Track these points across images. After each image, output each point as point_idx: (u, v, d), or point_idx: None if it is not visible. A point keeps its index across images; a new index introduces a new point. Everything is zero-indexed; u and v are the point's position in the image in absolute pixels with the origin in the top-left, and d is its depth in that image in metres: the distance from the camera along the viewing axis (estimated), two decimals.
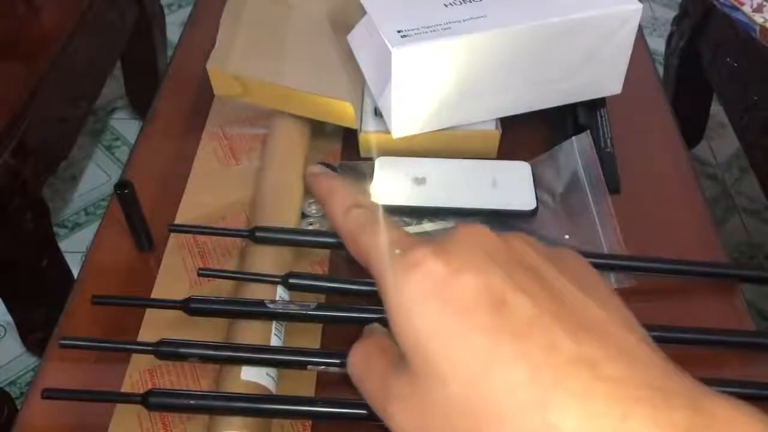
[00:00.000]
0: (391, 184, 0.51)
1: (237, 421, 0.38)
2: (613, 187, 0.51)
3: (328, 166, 0.53)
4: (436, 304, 0.20)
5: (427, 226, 0.49)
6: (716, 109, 1.22)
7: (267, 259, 0.45)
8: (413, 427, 0.21)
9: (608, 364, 0.18)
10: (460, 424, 0.19)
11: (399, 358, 0.22)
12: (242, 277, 0.44)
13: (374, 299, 0.44)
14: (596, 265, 0.45)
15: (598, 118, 0.55)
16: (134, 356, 0.43)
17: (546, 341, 0.19)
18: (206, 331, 0.42)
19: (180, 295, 0.42)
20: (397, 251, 0.22)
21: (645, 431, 0.17)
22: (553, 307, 0.20)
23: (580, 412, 0.17)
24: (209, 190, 0.53)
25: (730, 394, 0.19)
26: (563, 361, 0.18)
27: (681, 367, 0.19)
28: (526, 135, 0.55)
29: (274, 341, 0.42)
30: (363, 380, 0.24)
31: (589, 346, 0.19)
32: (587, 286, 0.22)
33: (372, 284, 0.44)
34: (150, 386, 0.41)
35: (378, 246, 0.23)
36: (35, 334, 0.99)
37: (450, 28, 0.49)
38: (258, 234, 0.45)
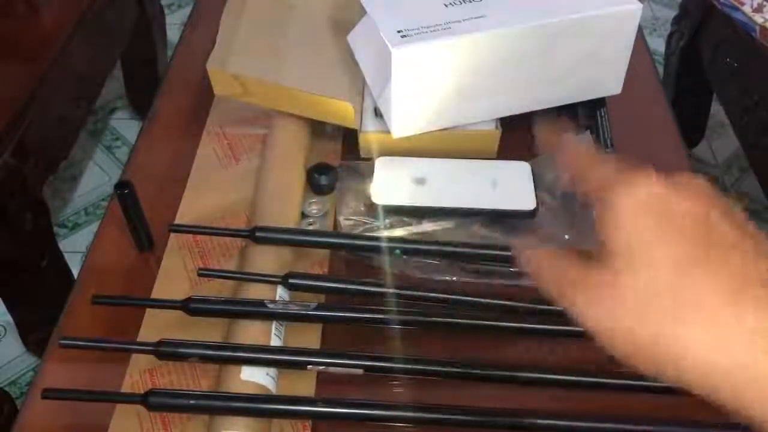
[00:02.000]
0: (391, 184, 0.51)
1: (237, 421, 0.38)
2: None
3: (326, 166, 0.53)
4: (654, 218, 0.24)
5: (427, 226, 0.49)
6: (716, 109, 1.22)
7: (267, 259, 0.45)
8: (604, 310, 0.25)
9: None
10: (655, 314, 0.24)
11: (587, 261, 0.26)
12: (242, 277, 0.44)
13: (374, 299, 0.44)
14: None
15: (598, 118, 0.55)
16: (134, 356, 0.43)
17: (742, 262, 0.23)
18: (206, 331, 0.42)
19: (180, 295, 0.42)
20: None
21: None
22: (747, 242, 0.24)
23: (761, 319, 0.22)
24: (209, 190, 0.53)
25: None
26: (754, 279, 0.23)
27: None
28: (526, 135, 0.55)
29: (274, 341, 0.42)
30: (553, 274, 0.27)
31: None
32: (757, 234, 0.26)
33: (370, 284, 0.44)
34: (150, 386, 0.41)
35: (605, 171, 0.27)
36: (35, 334, 0.99)
37: (450, 28, 0.49)
38: (258, 234, 0.45)
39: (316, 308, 0.42)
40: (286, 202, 0.50)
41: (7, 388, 1.00)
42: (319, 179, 0.52)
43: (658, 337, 0.24)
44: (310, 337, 0.44)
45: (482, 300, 0.44)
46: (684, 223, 0.24)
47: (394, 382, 0.42)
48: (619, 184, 0.26)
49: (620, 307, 0.24)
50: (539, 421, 0.39)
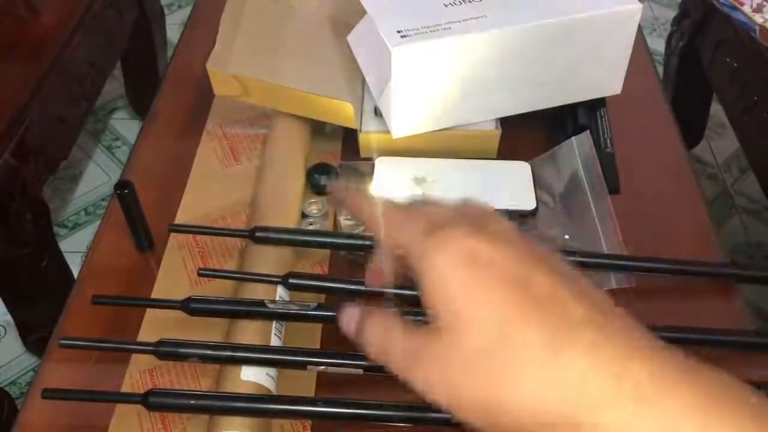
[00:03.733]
0: (391, 184, 0.51)
1: (237, 421, 0.38)
2: (613, 187, 0.51)
3: (326, 166, 0.53)
4: (469, 271, 0.24)
5: None
6: (716, 109, 1.22)
7: (267, 259, 0.45)
8: (438, 379, 0.24)
9: (608, 324, 0.23)
10: (480, 372, 0.23)
11: (415, 326, 0.26)
12: (242, 277, 0.44)
13: (374, 299, 0.44)
14: (596, 265, 0.46)
15: (598, 118, 0.55)
16: (134, 356, 0.43)
17: (561, 309, 0.23)
18: (206, 331, 0.42)
19: (180, 295, 0.42)
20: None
21: (645, 370, 0.21)
22: (564, 285, 0.24)
23: (589, 360, 0.21)
24: (209, 190, 0.53)
25: None
26: (575, 322, 0.22)
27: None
28: (526, 135, 0.55)
29: (274, 341, 0.42)
30: (385, 347, 0.26)
31: (593, 312, 0.23)
32: (573, 274, 0.25)
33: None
34: (150, 386, 0.41)
35: (412, 229, 0.26)
36: (35, 334, 0.99)
37: (450, 28, 0.49)
38: (258, 234, 0.45)
39: (316, 308, 0.42)
40: (286, 202, 0.50)
41: (7, 388, 1.00)
42: (319, 179, 0.52)
43: (482, 398, 0.23)
44: (310, 337, 0.44)
45: None
46: (498, 273, 0.23)
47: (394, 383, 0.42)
48: (429, 244, 0.25)
49: (446, 368, 0.24)
50: None
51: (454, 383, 0.23)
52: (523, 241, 0.25)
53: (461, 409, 0.24)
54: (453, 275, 0.24)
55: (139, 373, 0.42)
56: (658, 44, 1.41)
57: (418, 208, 0.28)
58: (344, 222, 0.50)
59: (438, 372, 0.24)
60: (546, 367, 0.22)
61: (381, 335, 0.27)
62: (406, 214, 0.28)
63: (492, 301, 0.23)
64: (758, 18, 0.92)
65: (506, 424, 0.23)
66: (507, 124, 0.54)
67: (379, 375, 0.41)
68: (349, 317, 0.29)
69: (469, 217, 0.26)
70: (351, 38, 0.57)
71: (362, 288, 0.44)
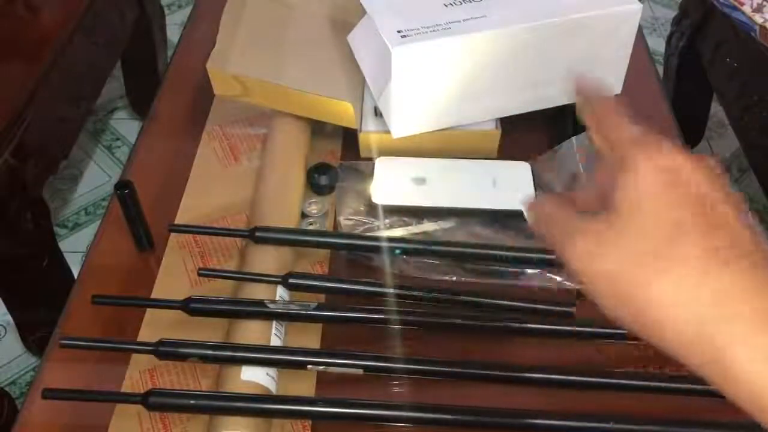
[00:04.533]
0: (391, 184, 0.51)
1: (237, 421, 0.38)
2: None
3: (326, 166, 0.53)
4: (667, 183, 0.26)
5: (427, 226, 0.49)
6: (716, 109, 1.22)
7: (267, 259, 0.45)
8: (598, 254, 0.27)
9: (760, 260, 0.25)
10: (641, 267, 0.25)
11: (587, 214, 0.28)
12: (242, 277, 0.44)
13: (374, 299, 0.44)
14: None
15: None
16: (134, 356, 0.43)
17: (728, 239, 0.25)
18: (206, 331, 0.42)
19: (180, 295, 0.42)
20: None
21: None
22: (738, 220, 0.26)
23: (730, 283, 0.24)
24: (209, 190, 0.53)
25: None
26: (734, 254, 0.25)
27: None
28: (526, 135, 0.55)
29: (274, 341, 0.42)
30: (554, 217, 0.30)
31: (752, 247, 0.25)
32: (747, 217, 0.27)
33: (370, 284, 0.44)
34: (150, 386, 0.41)
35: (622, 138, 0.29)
36: (35, 334, 0.99)
37: (450, 28, 0.49)
38: (258, 234, 0.45)
39: (316, 308, 0.42)
40: (286, 202, 0.50)
41: (7, 388, 1.00)
42: (319, 179, 0.52)
43: (637, 286, 0.26)
44: (310, 337, 0.44)
45: (482, 300, 0.44)
46: (690, 192, 0.26)
47: (394, 382, 0.42)
48: (643, 147, 0.27)
49: (608, 251, 0.26)
50: (539, 421, 0.39)
51: (608, 268, 0.26)
52: (718, 177, 0.27)
53: (602, 291, 0.26)
54: (650, 185, 0.26)
55: (139, 373, 0.42)
56: (658, 44, 1.41)
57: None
58: (344, 222, 0.50)
59: (596, 255, 0.27)
60: (696, 280, 0.24)
61: (556, 207, 0.30)
62: (627, 118, 0.30)
63: (671, 213, 0.26)
64: (758, 18, 0.92)
65: (646, 316, 0.25)
66: (507, 124, 0.54)
67: (379, 375, 0.41)
68: (537, 206, 0.32)
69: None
70: (351, 38, 0.57)
71: (362, 288, 0.44)
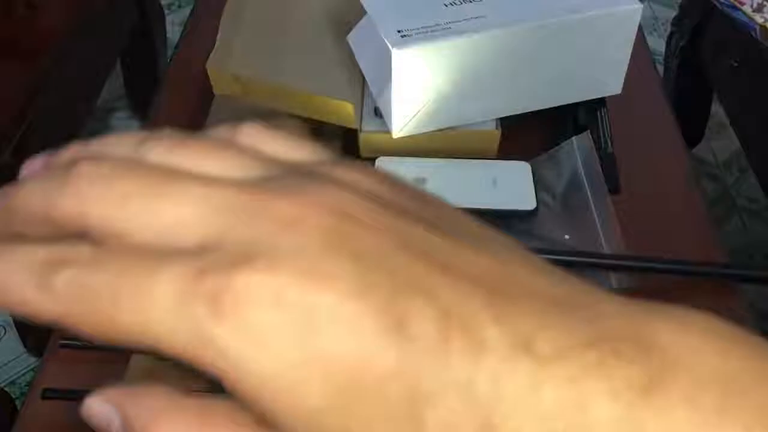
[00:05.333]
0: None
1: None
2: (614, 187, 0.51)
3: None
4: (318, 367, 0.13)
5: None
6: (716, 109, 1.22)
7: None
8: None
9: (541, 335, 0.14)
10: None
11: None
12: None
13: None
14: (596, 265, 0.46)
15: (599, 118, 0.55)
16: (134, 356, 0.43)
17: (466, 343, 0.13)
18: None
19: None
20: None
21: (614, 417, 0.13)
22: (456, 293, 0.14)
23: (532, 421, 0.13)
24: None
25: None
26: (495, 359, 0.13)
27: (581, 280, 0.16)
28: (526, 135, 0.55)
29: None
30: None
31: (514, 318, 0.14)
32: (468, 234, 0.17)
33: None
34: None
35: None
36: (35, 334, 0.99)
37: (450, 28, 0.49)
38: None
39: None
40: None
41: (7, 388, 1.00)
42: None
43: None
44: None
45: None
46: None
47: None
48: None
49: None
50: None
51: None
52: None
53: None
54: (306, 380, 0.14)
55: (140, 373, 0.42)
56: (658, 44, 1.41)
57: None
58: None
59: None
60: None
61: None
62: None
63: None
64: (758, 17, 0.92)
65: None
66: (507, 124, 0.54)
67: None
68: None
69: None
70: (351, 38, 0.57)
71: None
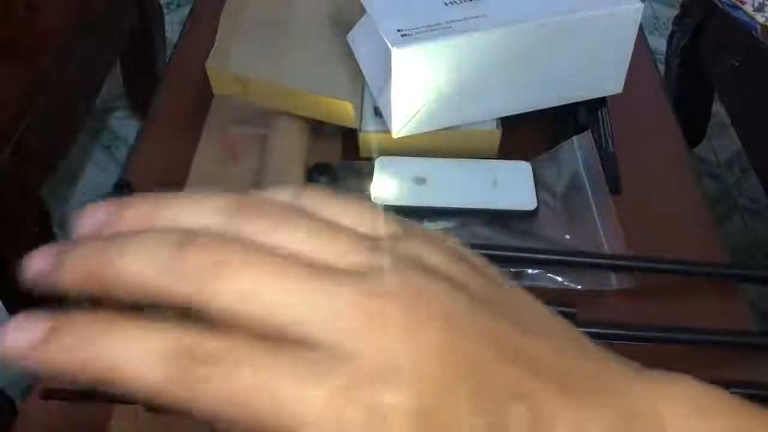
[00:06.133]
0: (391, 184, 0.51)
1: None
2: (614, 187, 0.51)
3: (326, 166, 0.53)
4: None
5: (427, 226, 0.49)
6: (717, 108, 1.22)
7: None
8: None
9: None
10: None
11: None
12: None
13: None
14: (597, 265, 0.46)
15: (599, 117, 0.55)
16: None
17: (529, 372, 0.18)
18: None
19: None
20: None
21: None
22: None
23: None
24: (209, 191, 0.53)
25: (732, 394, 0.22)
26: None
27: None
28: (526, 135, 0.55)
29: None
30: None
31: (580, 415, 0.18)
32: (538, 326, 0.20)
33: None
34: None
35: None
36: None
37: (450, 27, 0.49)
38: None
39: None
40: None
41: (6, 389, 1.00)
42: (319, 179, 0.52)
43: None
44: None
45: None
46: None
47: None
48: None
49: None
50: None
51: None
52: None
53: None
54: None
55: None
56: (659, 44, 1.41)
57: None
58: None
59: None
60: None
61: None
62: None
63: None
64: (759, 17, 0.92)
65: None
66: (507, 123, 0.54)
67: None
68: None
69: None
70: (351, 38, 0.57)
71: None
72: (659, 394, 0.20)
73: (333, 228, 0.19)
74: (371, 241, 0.19)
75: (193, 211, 0.19)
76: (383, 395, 0.16)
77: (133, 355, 0.16)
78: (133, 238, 0.18)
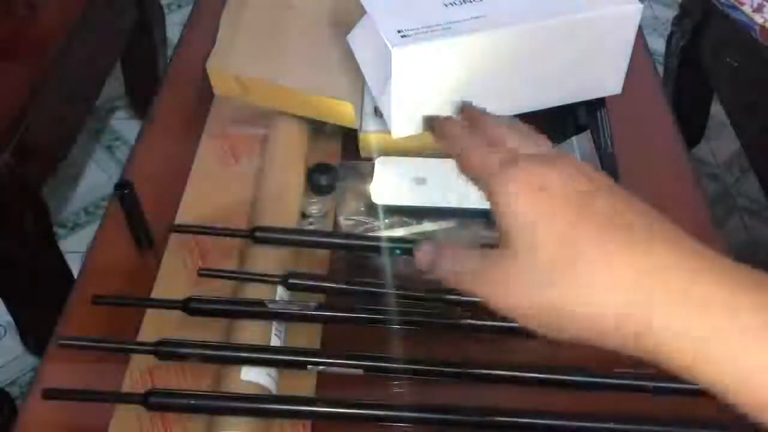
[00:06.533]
0: (391, 184, 0.51)
1: (237, 421, 0.38)
2: None
3: (326, 166, 0.53)
4: (539, 199, 0.27)
5: (427, 226, 0.49)
6: (716, 109, 1.22)
7: (267, 259, 0.45)
8: (505, 293, 0.27)
9: (658, 235, 0.26)
10: (546, 287, 0.26)
11: (483, 252, 0.29)
12: (242, 277, 0.44)
13: (375, 299, 0.44)
14: None
15: (599, 118, 0.55)
16: (134, 356, 0.43)
17: (620, 227, 0.26)
18: (206, 331, 0.42)
19: (180, 295, 0.42)
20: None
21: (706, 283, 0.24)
22: (622, 205, 0.27)
23: (635, 270, 0.25)
24: (209, 190, 0.53)
25: None
26: (633, 239, 0.26)
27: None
28: None
29: (274, 341, 0.42)
30: (457, 272, 0.30)
31: (650, 224, 0.27)
32: (628, 195, 0.28)
33: (370, 284, 0.44)
34: (150, 386, 0.41)
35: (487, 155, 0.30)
36: (35, 334, 0.99)
37: (450, 27, 0.49)
38: (258, 234, 0.45)
39: (317, 308, 0.42)
40: (286, 202, 0.50)
41: (7, 388, 1.00)
42: (319, 179, 0.52)
43: (547, 308, 0.26)
44: (310, 337, 0.44)
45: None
46: (564, 201, 0.27)
47: (394, 382, 0.42)
48: (504, 176, 0.28)
49: (518, 283, 0.27)
50: (539, 421, 0.39)
51: (521, 295, 0.27)
52: (582, 169, 0.28)
53: (527, 317, 0.27)
54: (525, 203, 0.27)
55: (140, 373, 0.42)
56: (658, 44, 1.41)
57: (484, 128, 0.33)
58: (344, 222, 0.50)
59: (505, 287, 0.27)
60: (605, 277, 0.25)
61: (452, 263, 0.30)
62: (475, 138, 0.32)
63: (556, 223, 0.26)
64: (758, 18, 0.92)
65: (569, 330, 0.26)
66: None
67: (379, 375, 0.41)
68: (423, 252, 0.32)
69: (532, 144, 0.31)
70: (351, 38, 0.57)
71: (362, 288, 0.44)
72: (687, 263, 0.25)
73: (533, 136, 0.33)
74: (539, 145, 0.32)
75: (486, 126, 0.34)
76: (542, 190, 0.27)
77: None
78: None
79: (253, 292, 0.43)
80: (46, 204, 0.91)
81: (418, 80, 0.50)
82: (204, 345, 0.40)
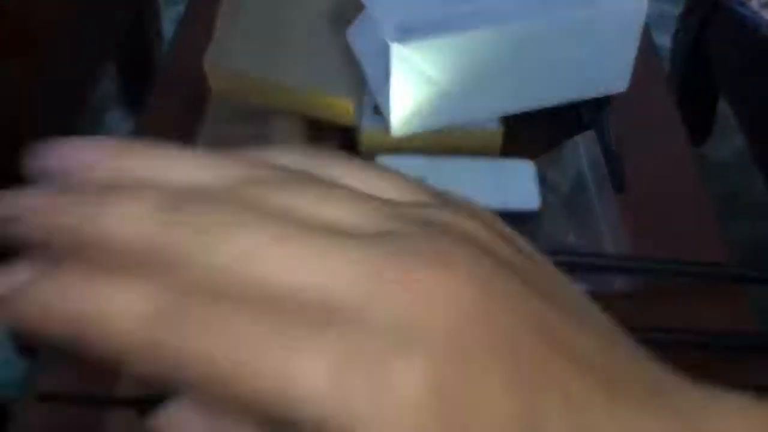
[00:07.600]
0: None
1: None
2: (618, 187, 0.50)
3: None
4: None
5: None
6: (722, 107, 1.21)
7: None
8: None
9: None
10: None
11: None
12: None
13: None
14: (601, 266, 0.45)
15: (603, 116, 0.55)
16: None
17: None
18: None
19: None
20: None
21: None
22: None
23: None
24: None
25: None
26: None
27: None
28: (529, 134, 0.54)
29: None
30: None
31: (624, 414, 0.15)
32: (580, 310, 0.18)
33: None
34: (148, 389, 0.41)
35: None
36: (27, 337, 0.99)
37: (451, 23, 0.48)
38: None
39: None
40: None
41: (4, 390, 1.00)
42: None
43: None
44: None
45: None
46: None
47: None
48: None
49: None
50: None
51: None
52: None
53: None
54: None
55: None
56: (664, 41, 1.40)
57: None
58: None
59: None
60: None
61: None
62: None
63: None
64: (766, 14, 0.91)
65: None
66: (510, 122, 0.53)
67: None
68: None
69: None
70: (350, 34, 0.56)
71: None
72: (726, 411, 0.16)
73: (352, 192, 0.17)
74: (398, 208, 0.17)
75: (196, 168, 0.17)
76: (399, 365, 0.14)
77: (114, 307, 0.14)
78: (124, 195, 0.16)
79: None
80: None
81: (418, 77, 0.49)
82: None
